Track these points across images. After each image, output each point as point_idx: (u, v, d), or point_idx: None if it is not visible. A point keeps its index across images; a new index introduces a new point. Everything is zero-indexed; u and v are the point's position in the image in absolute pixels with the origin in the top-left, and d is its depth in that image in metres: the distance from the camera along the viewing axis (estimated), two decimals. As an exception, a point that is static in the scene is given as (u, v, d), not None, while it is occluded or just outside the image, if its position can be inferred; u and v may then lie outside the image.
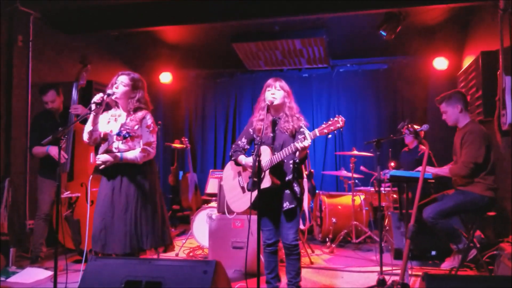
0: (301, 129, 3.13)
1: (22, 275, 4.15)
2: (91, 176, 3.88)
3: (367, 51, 6.96)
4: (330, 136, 2.96)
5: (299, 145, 2.94)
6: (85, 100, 4.96)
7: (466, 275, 3.88)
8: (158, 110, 7.72)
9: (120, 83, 3.36)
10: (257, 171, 2.88)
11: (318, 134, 2.94)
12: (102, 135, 3.35)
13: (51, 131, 3.33)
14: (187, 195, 6.87)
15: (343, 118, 2.91)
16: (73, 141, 4.58)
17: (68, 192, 4.42)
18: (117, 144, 3.30)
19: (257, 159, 2.90)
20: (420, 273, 4.13)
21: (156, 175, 3.52)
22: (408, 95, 6.98)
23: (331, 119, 2.94)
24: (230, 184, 3.52)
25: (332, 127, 2.89)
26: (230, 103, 7.87)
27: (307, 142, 2.91)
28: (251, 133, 3.41)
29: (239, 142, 3.45)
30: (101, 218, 3.25)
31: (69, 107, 4.61)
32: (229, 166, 3.56)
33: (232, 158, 3.43)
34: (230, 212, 4.31)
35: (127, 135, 3.25)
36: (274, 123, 3.34)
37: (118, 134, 3.24)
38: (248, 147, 3.45)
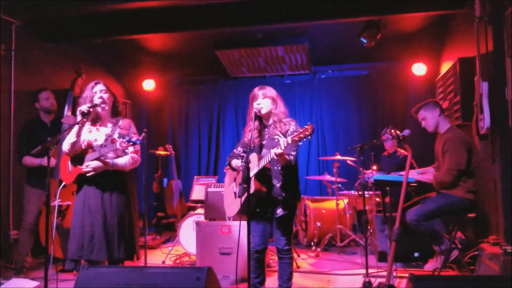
0: (275, 137, 3.12)
1: (8, 286, 4.11)
2: (61, 185, 3.74)
3: (348, 58, 7.08)
4: (301, 143, 3.00)
5: (272, 152, 2.99)
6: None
7: (451, 275, 4.00)
8: (141, 117, 7.70)
9: (101, 92, 3.38)
10: (247, 177, 2.94)
11: (290, 142, 2.95)
12: (86, 144, 3.33)
13: (42, 139, 3.31)
14: (171, 202, 6.86)
15: (312, 126, 2.94)
16: None
17: (59, 200, 4.37)
18: (104, 151, 3.28)
19: (246, 165, 2.95)
20: (404, 275, 4.23)
21: (133, 182, 3.55)
22: (388, 100, 7.13)
23: (303, 127, 2.97)
24: (227, 190, 3.63)
25: (301, 135, 2.92)
26: (214, 109, 7.89)
27: (278, 150, 2.95)
28: (247, 142, 3.45)
29: (235, 150, 3.53)
30: (90, 226, 3.25)
31: (61, 116, 4.59)
32: (227, 173, 3.68)
33: (227, 163, 3.53)
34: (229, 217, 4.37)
35: (137, 142, 3.22)
36: (263, 131, 3.41)
37: (128, 141, 3.16)
38: (244, 155, 3.50)
